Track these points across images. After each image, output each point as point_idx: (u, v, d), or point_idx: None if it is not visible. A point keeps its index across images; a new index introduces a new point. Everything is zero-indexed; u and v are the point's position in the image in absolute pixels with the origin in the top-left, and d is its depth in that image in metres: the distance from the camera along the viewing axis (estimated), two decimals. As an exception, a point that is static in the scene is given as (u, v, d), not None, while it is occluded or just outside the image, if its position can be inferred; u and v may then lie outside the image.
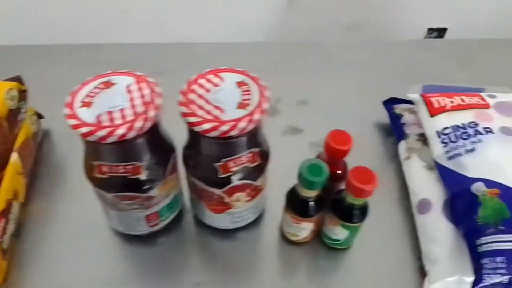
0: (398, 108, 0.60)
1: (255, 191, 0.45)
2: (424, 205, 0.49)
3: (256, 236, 0.51)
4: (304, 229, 0.47)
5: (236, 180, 0.41)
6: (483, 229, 0.42)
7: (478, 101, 0.53)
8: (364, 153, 0.60)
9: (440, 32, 1.24)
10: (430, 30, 1.21)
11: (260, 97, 0.38)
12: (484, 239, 0.41)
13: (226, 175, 0.41)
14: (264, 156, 0.43)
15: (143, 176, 0.41)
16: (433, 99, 0.54)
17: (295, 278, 0.48)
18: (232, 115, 0.37)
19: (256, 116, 0.37)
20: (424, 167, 0.52)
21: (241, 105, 0.37)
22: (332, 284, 0.48)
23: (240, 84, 0.39)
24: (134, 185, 0.41)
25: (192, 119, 0.36)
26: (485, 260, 0.40)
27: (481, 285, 0.39)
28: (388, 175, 0.57)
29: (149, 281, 0.47)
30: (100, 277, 0.47)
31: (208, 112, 0.37)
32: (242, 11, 0.97)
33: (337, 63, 0.75)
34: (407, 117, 0.58)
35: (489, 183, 0.44)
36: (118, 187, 0.41)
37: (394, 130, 0.60)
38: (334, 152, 0.44)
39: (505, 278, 0.39)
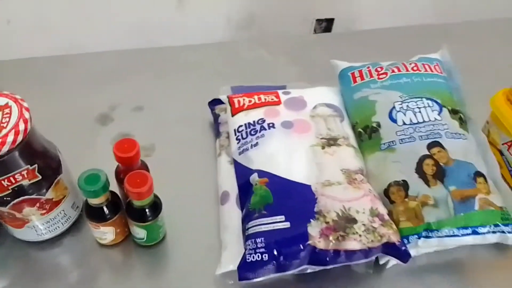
0: (218, 108, 0.65)
1: (50, 204, 0.48)
2: (225, 197, 0.55)
3: (72, 243, 0.54)
4: (106, 232, 0.50)
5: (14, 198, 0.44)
6: (251, 214, 0.48)
7: (272, 99, 0.59)
8: (192, 152, 0.65)
9: (328, 23, 1.33)
10: (319, 21, 1.30)
11: (18, 119, 0.41)
12: (250, 223, 0.47)
13: (4, 193, 0.43)
14: (49, 170, 0.46)
15: None
16: (236, 100, 0.60)
17: (108, 280, 0.52)
18: (-15, 139, 0.39)
19: (9, 139, 0.39)
20: (228, 162, 0.58)
21: (-2, 129, 0.40)
22: (146, 279, 0.52)
23: (2, 107, 0.42)
24: None
25: None
26: (248, 242, 0.46)
27: (243, 264, 0.45)
28: (209, 172, 0.62)
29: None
30: None
31: (-38, 138, 0.39)
32: (130, 14, 0.97)
33: (177, 66, 0.79)
34: (222, 117, 0.64)
35: (262, 174, 0.50)
36: None
37: (214, 129, 0.65)
38: (120, 160, 0.48)
39: (265, 257, 0.45)
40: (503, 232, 0.48)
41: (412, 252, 0.48)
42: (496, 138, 0.62)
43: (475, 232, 0.48)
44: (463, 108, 0.57)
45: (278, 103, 0.59)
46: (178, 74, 0.77)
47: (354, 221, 0.46)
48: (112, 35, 0.94)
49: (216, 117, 0.65)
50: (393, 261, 0.49)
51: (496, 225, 0.48)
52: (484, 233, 0.48)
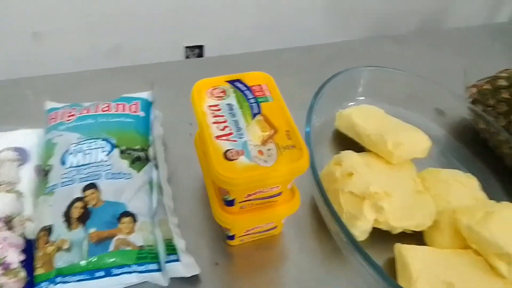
0: None
1: None
2: None
3: None
4: None
5: None
6: None
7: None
8: None
9: (200, 50, 1.34)
10: (191, 48, 1.31)
11: None
12: None
13: None
14: None
15: None
16: None
17: None
18: None
19: None
20: None
21: None
22: None
23: None
24: None
25: None
26: None
27: None
28: None
29: None
30: None
31: None
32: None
33: None
34: None
35: None
36: None
37: None
38: None
39: None
40: (138, 271, 0.49)
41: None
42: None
43: (109, 274, 0.48)
44: (146, 146, 0.58)
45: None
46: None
47: (-29, 272, 0.45)
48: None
49: None
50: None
51: (129, 265, 0.48)
52: (118, 274, 0.48)
